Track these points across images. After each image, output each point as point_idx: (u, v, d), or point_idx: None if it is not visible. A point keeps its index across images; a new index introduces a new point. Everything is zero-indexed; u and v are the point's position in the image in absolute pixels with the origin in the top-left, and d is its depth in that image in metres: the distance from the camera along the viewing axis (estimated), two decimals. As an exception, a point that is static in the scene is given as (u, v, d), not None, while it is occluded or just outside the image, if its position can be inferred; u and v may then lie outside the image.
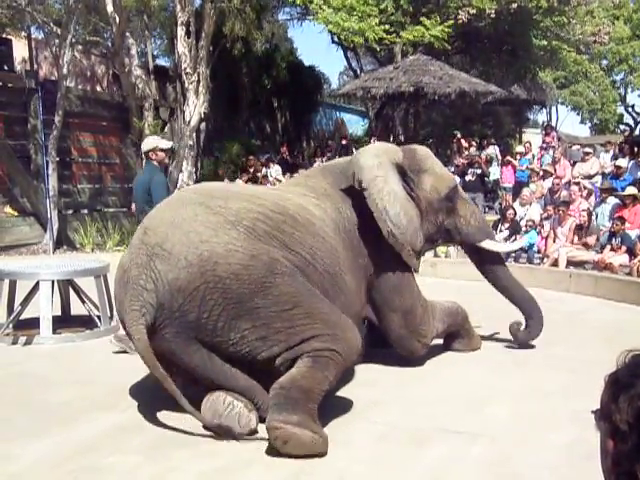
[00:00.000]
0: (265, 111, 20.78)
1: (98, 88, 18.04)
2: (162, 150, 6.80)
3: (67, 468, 3.79)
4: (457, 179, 5.98)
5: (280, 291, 4.07)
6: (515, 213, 11.45)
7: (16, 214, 13.27)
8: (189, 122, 15.00)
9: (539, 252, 10.92)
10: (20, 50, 14.33)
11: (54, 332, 6.63)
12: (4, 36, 14.04)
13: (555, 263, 10.20)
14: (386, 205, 5.13)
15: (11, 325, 6.84)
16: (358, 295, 5.06)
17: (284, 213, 4.51)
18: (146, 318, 4.00)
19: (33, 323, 6.71)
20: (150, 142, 6.91)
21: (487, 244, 6.09)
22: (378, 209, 5.11)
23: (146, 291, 4.03)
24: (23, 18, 14.04)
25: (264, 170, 15.72)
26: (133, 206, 7.61)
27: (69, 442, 4.13)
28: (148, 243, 4.15)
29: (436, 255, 11.57)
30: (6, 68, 13.16)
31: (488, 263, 6.27)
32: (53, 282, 6.86)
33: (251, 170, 15.63)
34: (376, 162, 5.30)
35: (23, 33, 14.78)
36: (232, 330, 4.03)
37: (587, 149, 13.93)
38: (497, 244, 6.46)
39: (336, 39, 20.35)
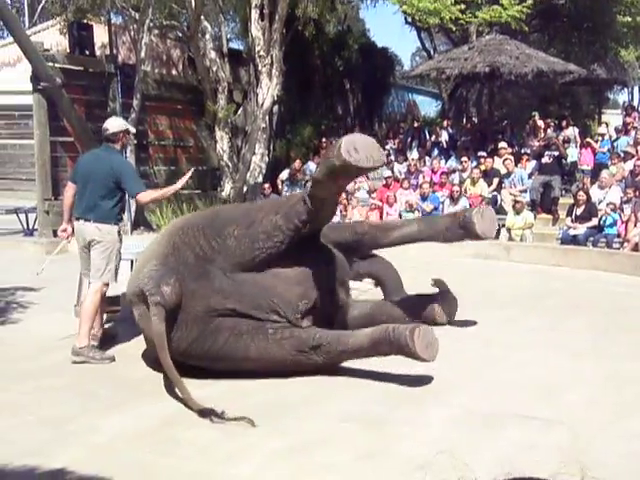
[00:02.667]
0: (337, 93, 20.74)
1: (173, 72, 18.37)
2: (130, 134, 6.13)
3: (147, 440, 3.92)
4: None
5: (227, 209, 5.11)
6: (588, 197, 11.13)
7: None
8: (262, 105, 15.09)
9: (619, 236, 10.58)
10: (100, 35, 14.70)
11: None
12: (85, 22, 14.41)
13: (636, 248, 9.88)
14: None
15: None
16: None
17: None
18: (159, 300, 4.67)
19: (113, 301, 6.92)
20: (120, 122, 6.11)
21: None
22: None
23: (150, 282, 4.76)
24: (103, 4, 14.37)
25: (336, 153, 15.67)
26: (70, 189, 5.96)
27: (150, 416, 4.28)
28: None
29: (511, 239, 11.37)
30: (87, 53, 13.50)
31: None
32: (132, 262, 7.04)
33: (323, 152, 15.64)
34: None
35: (103, 18, 15.13)
36: (226, 238, 4.80)
37: (672, 130, 13.38)
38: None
39: (410, 20, 20.07)
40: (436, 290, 6.40)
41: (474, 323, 6.39)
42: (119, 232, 5.82)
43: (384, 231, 6.11)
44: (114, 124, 5.99)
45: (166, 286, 4.59)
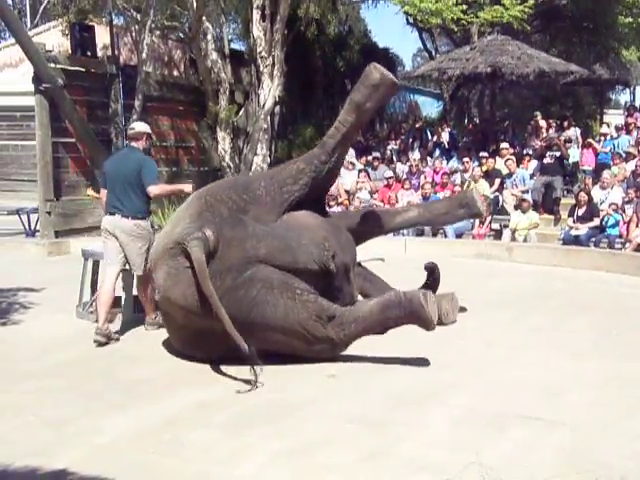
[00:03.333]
0: (338, 94, 20.69)
1: (175, 73, 18.38)
2: (151, 139, 6.97)
3: (150, 441, 3.92)
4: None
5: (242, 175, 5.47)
6: (590, 198, 11.12)
7: (97, 196, 13.66)
8: (264, 105, 15.10)
9: (621, 237, 10.57)
10: (102, 36, 14.69)
11: (136, 310, 6.82)
12: (87, 23, 14.41)
13: (638, 248, 9.86)
14: None
15: (94, 303, 7.06)
16: None
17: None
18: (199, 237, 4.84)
19: (115, 302, 6.93)
20: (147, 126, 6.71)
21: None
22: None
23: (187, 229, 4.96)
24: (105, 5, 14.38)
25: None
26: (104, 193, 6.52)
27: (152, 417, 4.28)
28: None
29: (513, 239, 11.35)
30: (89, 54, 13.50)
31: None
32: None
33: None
34: None
35: (105, 19, 15.14)
36: (255, 191, 5.19)
37: (674, 130, 13.35)
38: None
39: (411, 20, 20.08)
40: (437, 289, 6.43)
41: (476, 323, 6.38)
42: (151, 224, 6.35)
43: (389, 216, 6.55)
44: (139, 125, 6.69)
45: (207, 229, 4.80)
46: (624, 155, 12.85)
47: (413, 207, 7.26)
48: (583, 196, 11.06)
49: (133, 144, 6.42)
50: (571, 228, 10.97)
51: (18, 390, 4.82)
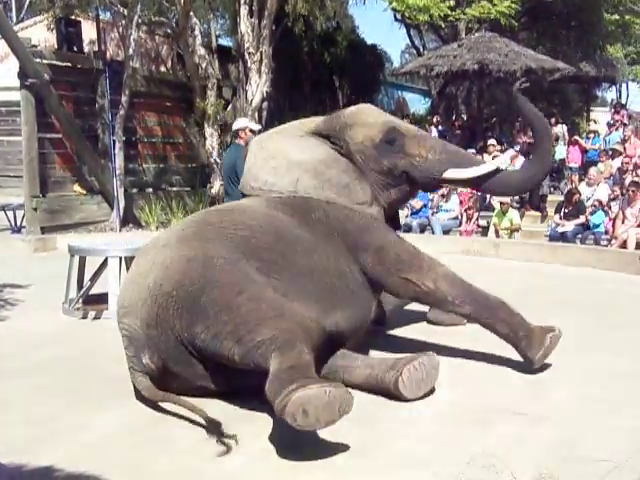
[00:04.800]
0: (326, 90, 20.74)
1: (162, 68, 18.31)
2: (251, 131, 7.68)
3: (136, 438, 3.91)
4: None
5: (222, 283, 4.07)
6: (579, 195, 11.20)
7: (84, 192, 13.61)
8: (251, 101, 15.08)
9: (606, 233, 10.65)
10: (88, 31, 14.61)
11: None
12: (73, 18, 14.32)
13: (624, 245, 9.94)
14: (271, 181, 5.21)
15: (81, 300, 7.06)
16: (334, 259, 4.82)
17: (230, 209, 5.05)
18: (141, 369, 4.28)
19: (102, 298, 6.92)
20: (242, 121, 7.76)
21: (450, 173, 5.32)
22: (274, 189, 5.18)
23: (130, 347, 4.39)
24: (91, -1, 14.31)
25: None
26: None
27: (138, 414, 4.26)
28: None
29: (498, 237, 11.41)
30: (75, 49, 13.43)
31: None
32: (121, 259, 7.02)
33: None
34: (252, 158, 5.52)
35: (91, 14, 15.06)
36: (194, 338, 4.07)
37: (659, 127, 13.47)
38: (463, 170, 5.37)
39: (399, 17, 20.12)
40: None
41: (462, 320, 6.39)
42: None
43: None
44: (236, 122, 7.95)
45: (149, 360, 4.23)
46: (610, 152, 12.94)
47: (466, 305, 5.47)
48: (576, 196, 11.11)
49: (236, 141, 7.68)
50: (557, 225, 11.04)
51: (3, 387, 4.79)
